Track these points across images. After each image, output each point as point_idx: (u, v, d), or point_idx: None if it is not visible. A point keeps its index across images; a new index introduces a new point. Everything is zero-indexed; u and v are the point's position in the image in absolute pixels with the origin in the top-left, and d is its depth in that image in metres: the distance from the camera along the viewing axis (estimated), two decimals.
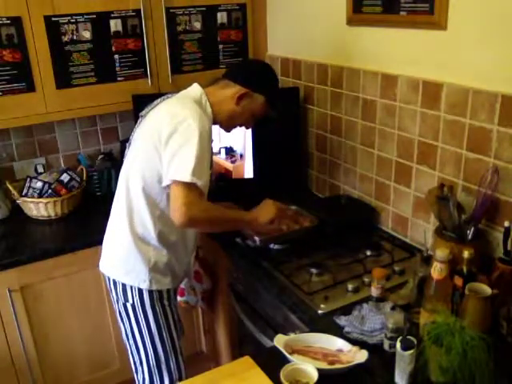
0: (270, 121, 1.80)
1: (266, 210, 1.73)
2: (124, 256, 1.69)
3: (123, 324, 1.77)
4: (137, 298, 1.69)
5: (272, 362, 1.28)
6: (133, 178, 1.63)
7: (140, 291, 1.68)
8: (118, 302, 1.74)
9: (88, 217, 2.32)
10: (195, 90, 1.67)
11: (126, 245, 1.67)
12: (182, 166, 1.48)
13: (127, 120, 2.57)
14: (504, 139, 1.51)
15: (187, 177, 1.46)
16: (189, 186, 1.47)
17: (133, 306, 1.70)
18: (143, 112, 1.68)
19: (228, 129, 1.79)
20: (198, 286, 2.17)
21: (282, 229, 1.86)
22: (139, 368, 1.80)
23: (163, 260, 1.68)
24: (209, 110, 1.64)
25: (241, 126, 1.77)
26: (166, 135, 1.52)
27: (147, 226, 1.63)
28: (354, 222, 2.06)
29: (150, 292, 1.69)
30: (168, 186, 1.53)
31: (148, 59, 2.30)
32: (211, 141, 1.76)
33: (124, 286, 1.69)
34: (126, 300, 1.70)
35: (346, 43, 2.07)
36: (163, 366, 1.77)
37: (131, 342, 1.77)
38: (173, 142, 1.51)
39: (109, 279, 1.74)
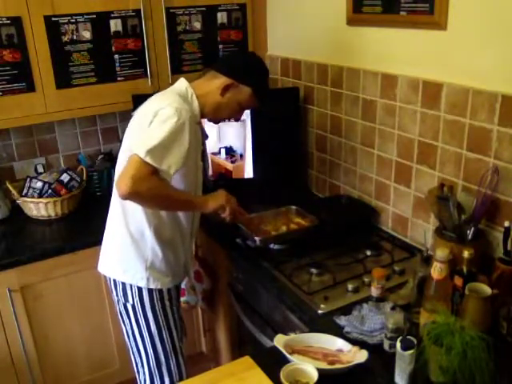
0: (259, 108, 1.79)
1: (218, 197, 1.70)
2: (121, 255, 1.69)
3: (124, 325, 1.77)
4: (137, 298, 1.69)
5: (272, 362, 1.27)
6: None
7: (140, 290, 1.68)
8: (118, 303, 1.75)
9: (88, 217, 2.32)
10: (181, 84, 1.67)
11: (122, 243, 1.68)
12: (143, 142, 1.46)
13: (127, 120, 2.51)
14: (504, 139, 1.51)
15: (142, 153, 1.44)
16: (143, 162, 1.44)
17: (133, 306, 1.70)
18: (133, 112, 1.69)
19: (215, 121, 1.76)
20: (198, 286, 2.17)
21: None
22: (140, 369, 1.80)
23: (160, 257, 1.68)
24: (195, 103, 1.63)
25: (229, 118, 1.75)
26: (147, 123, 1.52)
27: (142, 223, 1.64)
28: (354, 221, 2.06)
29: (150, 291, 1.69)
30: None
31: (148, 59, 2.30)
32: (204, 135, 1.75)
33: (124, 285, 1.69)
34: (127, 300, 1.71)
35: (346, 43, 2.06)
36: (163, 367, 1.77)
37: (132, 342, 1.77)
38: (150, 126, 1.51)
39: (109, 280, 1.74)
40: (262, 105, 1.75)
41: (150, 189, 1.49)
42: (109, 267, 1.74)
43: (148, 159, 1.44)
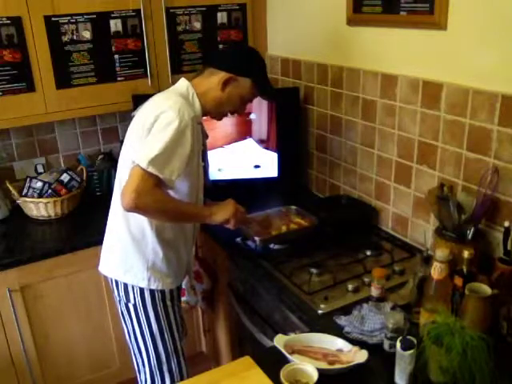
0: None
1: (224, 209, 1.70)
2: (122, 255, 1.69)
3: (125, 325, 1.77)
4: (138, 298, 1.69)
5: (272, 362, 1.27)
6: (125, 175, 1.62)
7: (141, 291, 1.68)
8: (120, 303, 1.75)
9: (88, 217, 2.32)
10: (181, 83, 1.67)
11: (123, 244, 1.68)
12: (144, 151, 1.46)
13: (127, 120, 2.52)
14: (504, 139, 1.51)
15: (144, 163, 1.44)
16: (146, 173, 1.45)
17: (134, 306, 1.70)
18: (134, 112, 1.68)
19: (218, 117, 1.75)
20: (198, 286, 2.17)
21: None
22: (141, 369, 1.80)
23: (162, 257, 1.68)
24: (197, 102, 1.63)
25: (232, 112, 1.74)
26: (148, 125, 1.52)
27: (143, 224, 1.63)
28: (354, 221, 2.06)
29: (152, 292, 1.69)
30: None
31: (148, 59, 2.30)
32: (205, 135, 1.75)
33: (126, 286, 1.69)
34: (128, 300, 1.70)
35: (346, 43, 2.07)
36: (164, 367, 1.77)
37: (133, 342, 1.77)
38: (152, 130, 1.51)
39: (111, 280, 1.74)
40: (263, 95, 1.74)
41: (155, 201, 1.50)
42: (110, 268, 1.74)
43: (150, 169, 1.44)
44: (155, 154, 1.44)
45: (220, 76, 1.64)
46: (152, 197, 1.48)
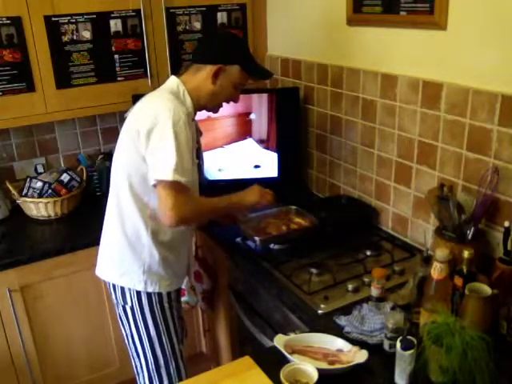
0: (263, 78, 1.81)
1: (251, 193, 1.75)
2: (118, 258, 1.68)
3: (123, 328, 1.77)
4: (135, 301, 1.68)
5: (272, 362, 1.27)
6: (120, 178, 1.62)
7: (138, 294, 1.67)
8: (118, 306, 1.74)
9: (88, 217, 2.32)
10: (172, 81, 1.66)
11: (119, 247, 1.67)
12: (162, 165, 1.47)
13: None
14: (504, 139, 1.51)
15: (169, 175, 1.45)
16: (173, 185, 1.46)
17: (132, 308, 1.70)
18: (126, 114, 1.68)
19: (215, 110, 1.75)
20: (198, 286, 2.17)
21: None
22: (140, 371, 1.80)
23: (158, 260, 1.67)
24: (188, 99, 1.63)
25: (228, 101, 1.74)
26: (145, 131, 1.51)
27: (139, 227, 1.63)
28: (354, 221, 2.06)
29: (149, 295, 1.68)
30: (155, 186, 1.53)
31: (148, 59, 2.30)
32: (199, 132, 1.75)
33: (122, 289, 1.69)
34: (125, 303, 1.70)
35: (346, 43, 2.07)
36: (162, 371, 1.76)
37: (131, 346, 1.77)
38: (152, 139, 1.50)
39: (108, 284, 1.74)
40: (255, 76, 1.73)
41: (191, 208, 1.55)
42: (106, 271, 1.74)
43: (176, 177, 1.45)
44: (175, 162, 1.46)
45: (208, 70, 1.63)
46: (188, 205, 1.53)
